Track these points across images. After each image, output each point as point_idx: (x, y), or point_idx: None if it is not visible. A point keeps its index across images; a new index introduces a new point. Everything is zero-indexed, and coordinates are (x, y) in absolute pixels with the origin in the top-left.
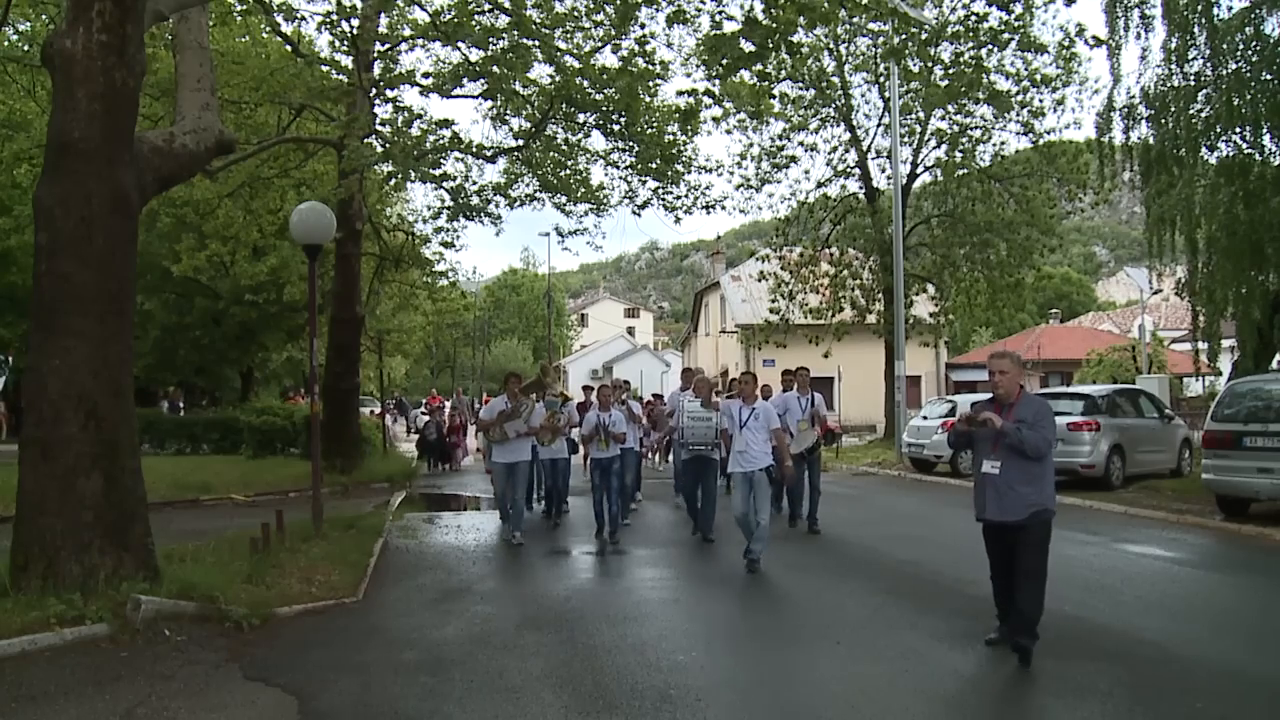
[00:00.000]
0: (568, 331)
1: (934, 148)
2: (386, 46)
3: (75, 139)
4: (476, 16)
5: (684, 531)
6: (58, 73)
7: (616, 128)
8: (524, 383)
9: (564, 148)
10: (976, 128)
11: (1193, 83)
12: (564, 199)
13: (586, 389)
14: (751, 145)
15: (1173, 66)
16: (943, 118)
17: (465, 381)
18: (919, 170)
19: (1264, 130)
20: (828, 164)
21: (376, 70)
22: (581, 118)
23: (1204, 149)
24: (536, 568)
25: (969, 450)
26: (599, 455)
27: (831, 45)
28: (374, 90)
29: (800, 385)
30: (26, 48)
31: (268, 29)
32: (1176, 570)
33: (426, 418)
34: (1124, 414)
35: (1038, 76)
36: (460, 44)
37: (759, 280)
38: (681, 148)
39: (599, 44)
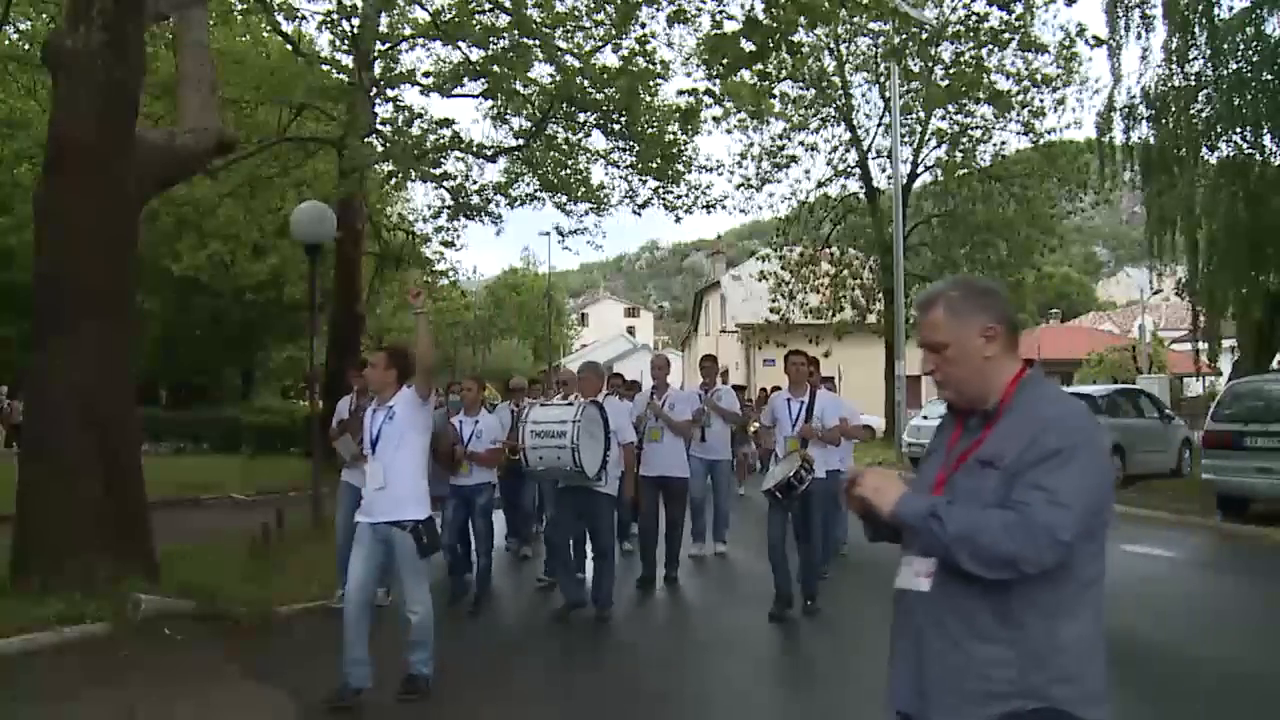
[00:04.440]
0: (568, 331)
1: (934, 147)
2: (387, 46)
3: (76, 138)
4: (477, 16)
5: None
6: (58, 72)
7: (617, 127)
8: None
9: (564, 147)
10: (977, 128)
11: (1193, 83)
12: (564, 198)
13: (533, 383)
14: (752, 145)
15: (1173, 66)
16: (943, 117)
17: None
18: (919, 170)
19: (1265, 130)
20: (828, 164)
21: (377, 69)
22: (582, 117)
23: (1205, 149)
24: (536, 569)
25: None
26: (458, 482)
27: (832, 45)
28: (374, 89)
29: (793, 382)
30: (27, 47)
31: (268, 28)
32: (1176, 570)
33: None
34: (1124, 414)
35: (1038, 76)
36: (461, 43)
37: (759, 280)
38: (682, 147)
39: (599, 43)
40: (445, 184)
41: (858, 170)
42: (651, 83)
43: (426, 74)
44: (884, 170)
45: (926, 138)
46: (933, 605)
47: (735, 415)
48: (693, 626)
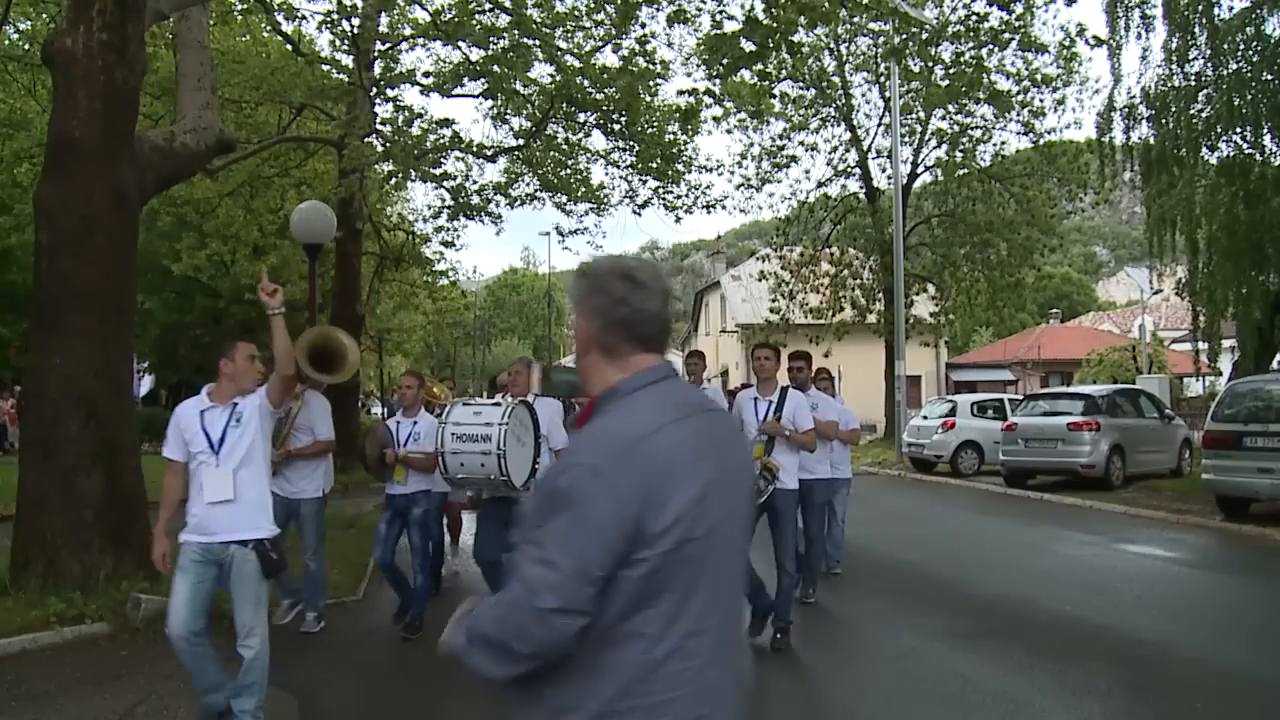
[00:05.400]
0: (568, 331)
1: (934, 147)
2: (387, 46)
3: (76, 138)
4: (477, 16)
5: None
6: (58, 72)
7: (617, 127)
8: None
9: (564, 147)
10: (977, 127)
11: (1193, 83)
12: (564, 198)
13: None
14: (752, 145)
15: (1173, 66)
16: (943, 117)
17: (464, 381)
18: (919, 170)
19: (1265, 130)
20: (828, 164)
21: (377, 69)
22: (582, 117)
23: (1205, 149)
24: None
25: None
26: (393, 491)
27: (832, 45)
28: (374, 89)
29: (760, 380)
30: (27, 46)
31: (268, 28)
32: (1176, 570)
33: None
34: (1124, 414)
35: (1038, 76)
36: (461, 43)
37: (759, 280)
38: (682, 147)
39: (599, 43)
40: (445, 184)
41: (858, 170)
42: (651, 83)
43: (426, 74)
44: (884, 170)
45: (926, 138)
46: None
47: None
48: None
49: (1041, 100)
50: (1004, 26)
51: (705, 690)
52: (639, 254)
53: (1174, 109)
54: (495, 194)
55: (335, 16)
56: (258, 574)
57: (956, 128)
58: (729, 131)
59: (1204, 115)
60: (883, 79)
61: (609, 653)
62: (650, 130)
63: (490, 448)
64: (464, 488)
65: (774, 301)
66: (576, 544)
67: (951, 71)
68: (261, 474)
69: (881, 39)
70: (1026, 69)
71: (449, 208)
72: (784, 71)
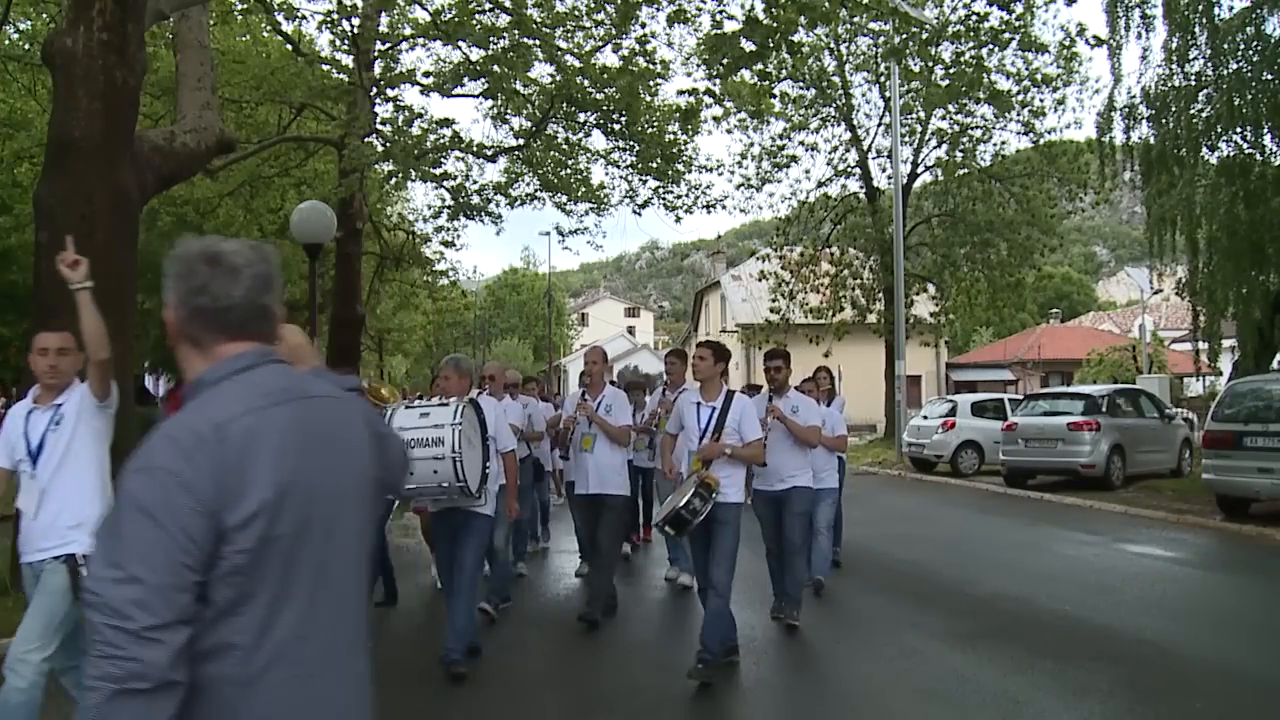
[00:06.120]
0: (568, 331)
1: (934, 147)
2: (387, 45)
3: (76, 138)
4: (477, 15)
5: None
6: (58, 71)
7: (617, 127)
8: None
9: (564, 147)
10: (977, 127)
11: (1193, 82)
12: (564, 198)
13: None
14: (752, 145)
15: (1173, 66)
16: (943, 117)
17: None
18: (919, 170)
19: (1265, 130)
20: (828, 163)
21: (377, 69)
22: (582, 117)
23: (1205, 149)
24: (536, 567)
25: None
26: None
27: (832, 45)
28: (374, 89)
29: (704, 385)
30: (27, 46)
31: (268, 28)
32: (1176, 570)
33: None
34: (1124, 414)
35: (1038, 76)
36: (461, 43)
37: (759, 280)
38: (682, 147)
39: (600, 43)
40: (445, 184)
41: (858, 170)
42: (651, 83)
43: (426, 74)
44: (884, 170)
45: (926, 138)
46: None
47: None
48: (689, 628)
49: (1041, 100)
50: (1004, 26)
51: (317, 702)
52: (639, 254)
53: (1174, 109)
54: (495, 194)
55: (335, 16)
56: (63, 590)
57: (956, 128)
58: (729, 131)
59: (1204, 115)
60: (883, 79)
61: (201, 667)
62: (650, 130)
63: (443, 452)
64: (412, 500)
65: (774, 301)
66: (158, 551)
67: (951, 71)
68: (82, 481)
69: (881, 39)
70: (1026, 69)
71: (449, 208)
72: (784, 71)
